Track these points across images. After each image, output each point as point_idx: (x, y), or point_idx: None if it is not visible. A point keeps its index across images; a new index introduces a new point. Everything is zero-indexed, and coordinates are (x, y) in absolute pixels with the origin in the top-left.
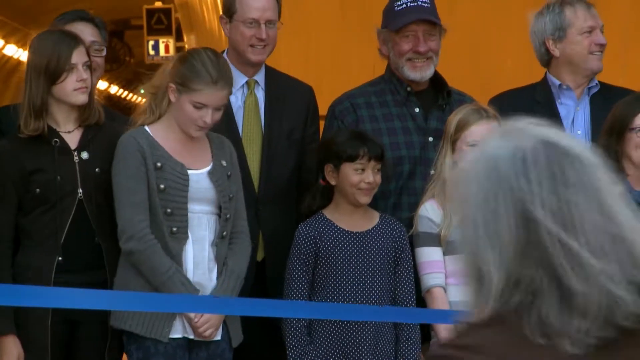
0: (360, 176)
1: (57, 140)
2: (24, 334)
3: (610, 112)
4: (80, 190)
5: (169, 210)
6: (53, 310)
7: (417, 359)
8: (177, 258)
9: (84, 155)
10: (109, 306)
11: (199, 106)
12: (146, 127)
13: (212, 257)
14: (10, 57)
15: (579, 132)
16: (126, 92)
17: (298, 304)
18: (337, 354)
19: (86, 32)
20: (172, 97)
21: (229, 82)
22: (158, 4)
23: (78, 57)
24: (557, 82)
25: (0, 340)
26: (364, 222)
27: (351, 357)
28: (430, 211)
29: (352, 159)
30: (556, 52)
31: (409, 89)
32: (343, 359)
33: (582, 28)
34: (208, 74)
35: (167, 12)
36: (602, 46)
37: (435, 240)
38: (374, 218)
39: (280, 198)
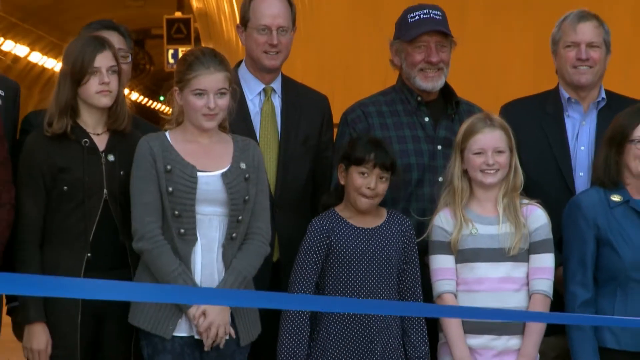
0: (364, 180)
1: (87, 140)
2: (54, 330)
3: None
4: (105, 191)
5: (176, 212)
6: (82, 308)
7: (426, 348)
8: (184, 259)
9: (111, 157)
10: (127, 297)
11: (199, 93)
12: (166, 133)
13: (220, 258)
14: (35, 64)
15: (582, 148)
16: (146, 99)
17: (305, 297)
18: (349, 348)
19: (112, 39)
20: (178, 99)
21: (221, 66)
22: (178, 14)
23: (102, 61)
24: (566, 95)
25: (29, 328)
26: (373, 218)
27: (363, 350)
28: (444, 221)
29: (358, 162)
30: (555, 65)
31: (419, 98)
32: (355, 352)
33: (566, 42)
34: (199, 61)
35: (186, 22)
36: (583, 61)
37: (447, 248)
38: (382, 214)
39: (295, 202)
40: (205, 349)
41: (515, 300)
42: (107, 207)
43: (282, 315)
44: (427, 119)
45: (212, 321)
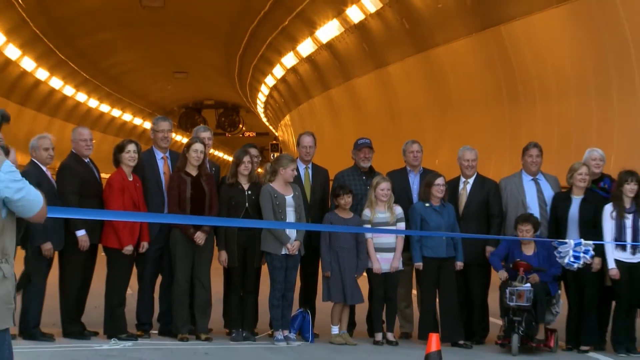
0: (342, 200)
1: (241, 186)
2: (228, 252)
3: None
4: (247, 204)
5: (279, 211)
6: (237, 244)
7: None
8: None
9: (249, 192)
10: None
11: (286, 169)
12: (270, 183)
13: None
14: (225, 159)
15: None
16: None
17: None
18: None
19: (253, 152)
20: (281, 171)
21: (294, 160)
22: (274, 142)
23: (244, 158)
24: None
25: (219, 252)
26: (348, 215)
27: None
28: (366, 212)
29: (338, 194)
30: None
31: (361, 170)
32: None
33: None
34: (287, 159)
35: (277, 145)
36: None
37: (368, 222)
38: (350, 214)
39: (317, 208)
40: (290, 252)
41: (392, 238)
42: (247, 211)
43: (322, 240)
44: (364, 177)
45: (296, 245)
